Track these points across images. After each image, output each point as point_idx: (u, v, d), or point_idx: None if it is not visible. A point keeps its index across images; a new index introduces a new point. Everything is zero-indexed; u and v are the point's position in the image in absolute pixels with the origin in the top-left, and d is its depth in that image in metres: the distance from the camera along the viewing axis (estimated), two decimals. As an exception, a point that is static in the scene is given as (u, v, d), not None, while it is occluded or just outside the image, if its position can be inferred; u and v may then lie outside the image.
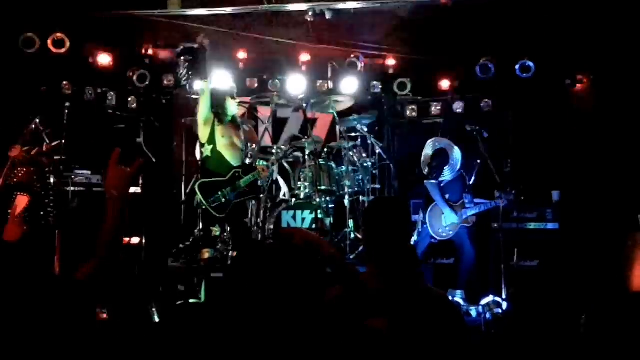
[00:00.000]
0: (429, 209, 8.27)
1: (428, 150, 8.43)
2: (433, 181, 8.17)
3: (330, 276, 2.91)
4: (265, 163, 8.52)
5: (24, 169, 3.25)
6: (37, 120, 3.52)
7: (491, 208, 8.15)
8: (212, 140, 8.10)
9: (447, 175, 8.24)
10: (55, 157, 3.43)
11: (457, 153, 8.22)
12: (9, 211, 3.10)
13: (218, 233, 8.17)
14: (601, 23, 9.00)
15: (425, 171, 8.32)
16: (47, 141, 3.52)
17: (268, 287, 2.39)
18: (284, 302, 2.37)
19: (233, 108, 8.31)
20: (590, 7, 9.06)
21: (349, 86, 9.83)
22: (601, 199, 8.86)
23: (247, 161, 8.59)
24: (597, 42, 9.15)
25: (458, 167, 8.21)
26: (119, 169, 3.02)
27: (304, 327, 2.39)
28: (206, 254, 7.90)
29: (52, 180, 3.31)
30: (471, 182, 8.42)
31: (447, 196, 8.23)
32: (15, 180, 3.19)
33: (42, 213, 3.24)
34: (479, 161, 8.43)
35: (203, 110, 8.09)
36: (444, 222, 8.21)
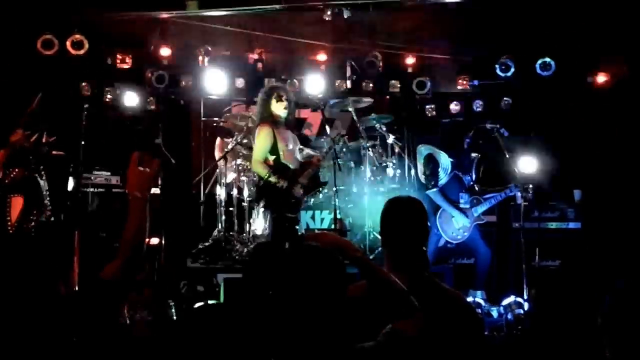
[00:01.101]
0: (438, 215, 8.18)
1: (419, 159, 8.39)
2: (434, 190, 8.10)
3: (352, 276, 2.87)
4: (320, 152, 8.41)
5: (17, 170, 3.21)
6: (39, 97, 3.45)
7: (502, 199, 8.11)
8: (275, 150, 7.93)
9: (442, 178, 8.16)
10: (54, 152, 3.38)
11: (442, 156, 8.18)
12: (7, 216, 3.08)
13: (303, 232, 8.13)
14: (621, 19, 8.91)
15: (424, 181, 8.29)
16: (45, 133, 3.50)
17: (286, 287, 2.36)
18: (304, 302, 2.34)
19: (279, 111, 8.13)
20: (610, 3, 8.98)
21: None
22: (623, 198, 8.77)
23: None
24: (617, 39, 9.06)
25: (450, 168, 8.15)
26: (140, 171, 3.01)
27: (325, 326, 2.36)
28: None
29: (43, 182, 3.27)
30: (473, 180, 8.32)
31: (460, 200, 8.18)
32: (6, 181, 3.16)
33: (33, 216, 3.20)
34: (475, 155, 8.33)
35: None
36: (455, 224, 8.14)
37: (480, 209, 8.11)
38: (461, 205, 8.11)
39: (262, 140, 7.86)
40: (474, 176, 8.33)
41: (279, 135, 7.89)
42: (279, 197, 7.72)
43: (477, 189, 8.26)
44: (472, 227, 8.11)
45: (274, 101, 7.97)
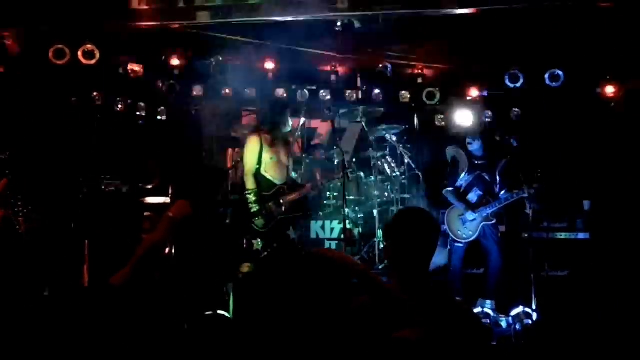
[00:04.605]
0: (447, 213, 8.24)
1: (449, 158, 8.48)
2: (449, 189, 8.25)
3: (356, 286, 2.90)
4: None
5: None
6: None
7: (513, 200, 8.09)
8: (259, 161, 7.94)
9: (463, 178, 8.23)
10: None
11: (463, 156, 8.30)
12: (17, 225, 3.15)
13: (260, 247, 8.06)
14: (630, 30, 8.91)
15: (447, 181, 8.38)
16: None
17: (295, 295, 2.39)
18: (310, 310, 2.37)
19: (289, 124, 8.15)
20: (620, 15, 8.97)
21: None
22: (633, 209, 8.75)
23: (293, 175, 8.51)
24: (626, 49, 9.05)
25: (466, 168, 8.22)
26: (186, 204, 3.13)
27: (329, 334, 2.39)
28: (246, 268, 7.72)
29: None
30: (497, 183, 8.32)
31: (468, 197, 8.24)
32: None
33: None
34: (504, 161, 8.33)
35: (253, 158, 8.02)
36: (462, 222, 8.15)
37: (490, 209, 8.12)
38: (468, 198, 8.16)
39: (247, 151, 7.96)
40: (498, 179, 8.33)
41: (268, 146, 7.92)
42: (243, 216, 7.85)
43: (496, 190, 8.26)
44: (480, 227, 8.11)
45: (287, 112, 8.02)
